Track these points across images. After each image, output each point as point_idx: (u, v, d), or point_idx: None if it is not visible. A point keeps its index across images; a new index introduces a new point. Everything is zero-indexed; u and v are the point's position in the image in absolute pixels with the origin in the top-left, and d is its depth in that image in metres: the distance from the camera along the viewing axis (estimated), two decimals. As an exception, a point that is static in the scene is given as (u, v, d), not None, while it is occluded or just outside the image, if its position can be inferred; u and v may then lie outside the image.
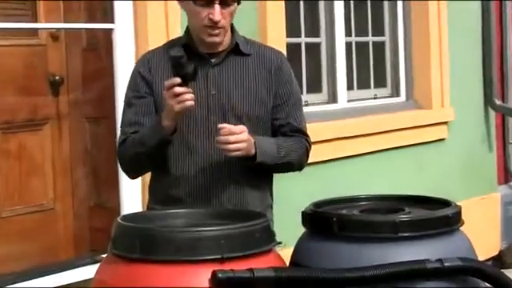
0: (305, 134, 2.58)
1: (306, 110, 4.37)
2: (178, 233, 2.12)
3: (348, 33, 4.72)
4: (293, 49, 4.31)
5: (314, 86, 4.58)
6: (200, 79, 2.43)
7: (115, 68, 3.58)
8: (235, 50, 2.50)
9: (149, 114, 2.49)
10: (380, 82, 5.03)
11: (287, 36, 4.14)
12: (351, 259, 2.19)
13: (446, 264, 2.18)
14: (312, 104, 4.50)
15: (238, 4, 2.45)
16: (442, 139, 5.14)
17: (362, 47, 4.90)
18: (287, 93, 2.55)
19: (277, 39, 3.97)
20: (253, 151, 2.39)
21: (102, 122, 3.84)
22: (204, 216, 2.34)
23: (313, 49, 4.58)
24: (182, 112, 2.36)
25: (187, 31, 2.53)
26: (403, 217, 2.32)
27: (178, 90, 2.31)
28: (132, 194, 3.60)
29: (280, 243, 2.23)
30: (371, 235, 2.22)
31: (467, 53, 5.37)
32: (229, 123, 2.39)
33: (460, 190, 5.12)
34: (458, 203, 2.45)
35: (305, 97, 4.47)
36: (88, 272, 3.20)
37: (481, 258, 2.47)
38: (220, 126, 2.35)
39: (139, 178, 3.57)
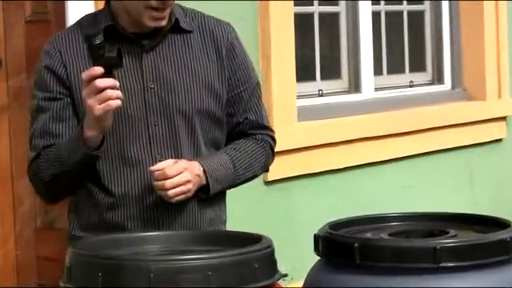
0: (267, 129, 2.67)
1: (320, 101, 4.47)
2: (152, 262, 2.13)
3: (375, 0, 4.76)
4: (303, 20, 4.35)
5: (331, 71, 4.62)
6: (132, 69, 2.48)
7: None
8: (174, 27, 2.53)
9: (66, 120, 2.51)
10: (418, 66, 5.06)
11: (295, 4, 4.17)
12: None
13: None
14: (328, 94, 4.54)
15: None
16: (499, 140, 5.18)
17: (394, 18, 4.93)
18: (243, 78, 2.61)
19: (282, 8, 4.00)
20: (203, 182, 2.49)
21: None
22: (186, 240, 2.36)
23: (329, 21, 4.61)
24: (104, 117, 2.36)
25: (107, 6, 2.54)
26: (446, 241, 2.34)
27: (99, 83, 2.32)
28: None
29: (285, 276, 2.26)
30: (404, 265, 2.24)
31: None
32: (174, 124, 2.48)
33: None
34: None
35: (319, 84, 4.50)
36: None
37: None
38: (151, 168, 2.42)
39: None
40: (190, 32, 2.56)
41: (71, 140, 2.44)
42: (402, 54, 4.97)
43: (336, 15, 4.61)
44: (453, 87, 5.12)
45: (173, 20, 2.52)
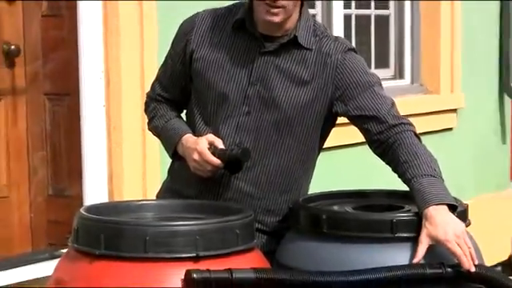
0: (400, 119, 2.41)
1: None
2: (147, 227, 2.14)
3: (347, 4, 4.75)
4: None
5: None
6: (246, 63, 2.38)
7: (80, 38, 3.59)
8: (293, 41, 2.38)
9: (175, 79, 2.50)
10: (382, 62, 5.07)
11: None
12: (341, 261, 2.22)
13: (448, 269, 2.21)
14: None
15: None
16: (450, 128, 5.19)
17: (362, 21, 4.93)
18: (358, 88, 2.38)
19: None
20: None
21: (63, 100, 3.85)
22: (179, 209, 2.36)
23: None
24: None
25: (251, 2, 2.38)
26: (402, 215, 2.34)
27: (210, 159, 2.32)
28: (97, 183, 3.63)
29: None
30: (365, 235, 2.25)
31: (482, 32, 5.41)
32: (262, 117, 2.38)
33: (469, 186, 5.18)
34: (466, 201, 2.49)
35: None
36: (46, 268, 3.23)
37: (488, 262, 2.51)
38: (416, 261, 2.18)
39: (105, 165, 3.63)
40: (308, 49, 2.39)
41: (169, 138, 2.47)
42: (369, 52, 4.98)
43: (313, 16, 4.60)
44: (412, 82, 5.13)
45: (292, 35, 2.37)
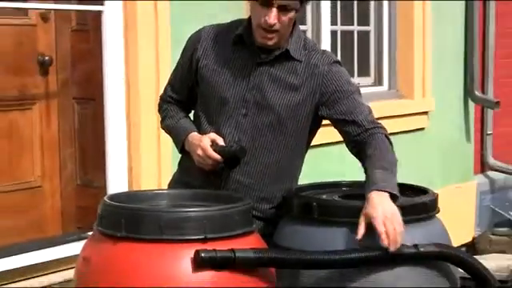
0: (375, 123, 2.39)
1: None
2: (162, 213, 2.14)
3: (334, 22, 4.74)
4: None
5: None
6: (245, 71, 2.37)
7: (103, 50, 3.59)
8: (285, 54, 2.37)
9: (184, 83, 2.49)
10: (364, 71, 5.06)
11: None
12: (329, 242, 2.22)
13: (422, 249, 2.21)
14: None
15: (297, 12, 2.31)
16: (422, 128, 5.18)
17: (347, 36, 4.92)
18: (340, 94, 2.37)
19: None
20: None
21: (90, 103, 3.85)
22: (189, 197, 2.36)
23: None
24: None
25: (250, 19, 2.38)
26: (381, 203, 2.34)
27: (211, 155, 2.32)
28: (118, 175, 3.62)
29: None
30: (350, 220, 2.24)
31: (450, 44, 5.41)
32: (258, 118, 2.36)
33: (438, 177, 5.18)
34: (436, 191, 2.49)
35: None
36: (74, 248, 3.23)
37: (455, 244, 2.51)
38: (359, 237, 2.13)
39: (125, 159, 3.62)
40: (298, 61, 2.38)
41: (178, 135, 2.46)
42: (353, 62, 4.97)
43: (304, 32, 4.58)
44: (389, 88, 5.12)
45: (283, 48, 2.36)
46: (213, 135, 2.36)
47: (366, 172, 2.29)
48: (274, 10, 2.27)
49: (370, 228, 2.15)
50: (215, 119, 2.41)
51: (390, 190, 2.20)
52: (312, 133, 2.49)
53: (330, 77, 2.38)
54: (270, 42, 2.33)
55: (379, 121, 2.44)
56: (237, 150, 2.34)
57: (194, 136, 2.41)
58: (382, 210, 2.14)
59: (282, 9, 2.27)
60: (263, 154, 2.40)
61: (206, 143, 2.34)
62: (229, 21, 2.50)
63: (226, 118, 2.39)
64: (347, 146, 2.41)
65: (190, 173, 2.46)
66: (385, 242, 2.12)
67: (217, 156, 2.33)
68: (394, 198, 2.20)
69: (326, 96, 2.38)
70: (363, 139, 2.35)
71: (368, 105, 2.45)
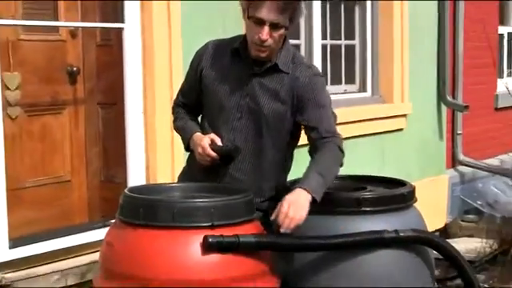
0: (333, 133, 2.38)
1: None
2: (175, 203, 2.13)
3: (324, 36, 4.73)
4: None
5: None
6: (241, 81, 2.37)
7: (124, 61, 3.58)
8: (274, 67, 2.37)
9: (193, 91, 2.47)
10: (349, 79, 5.05)
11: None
12: (320, 229, 2.21)
13: (401, 234, 2.21)
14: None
15: (286, 30, 2.30)
16: (401, 129, 5.17)
17: (335, 49, 4.91)
18: (311, 103, 2.36)
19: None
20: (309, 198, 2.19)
21: (112, 108, 3.83)
22: (198, 190, 2.35)
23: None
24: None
25: (245, 36, 2.38)
26: (366, 194, 2.34)
27: (209, 153, 2.31)
28: (137, 171, 3.62)
29: None
30: (338, 209, 2.24)
31: (425, 56, 5.40)
32: (250, 121, 2.35)
33: (415, 172, 5.17)
34: (413, 183, 2.48)
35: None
36: (99, 234, 3.21)
37: (430, 229, 2.50)
38: (272, 218, 2.16)
39: (143, 157, 3.61)
40: (286, 73, 2.36)
41: (185, 135, 2.44)
42: (340, 71, 4.96)
43: (297, 46, 4.58)
44: (372, 94, 5.11)
45: (273, 62, 2.35)
46: (212, 136, 2.36)
47: (305, 171, 2.28)
48: (266, 27, 2.27)
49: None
50: (215, 122, 2.42)
51: (312, 191, 2.19)
52: (296, 135, 2.48)
53: (307, 87, 2.37)
54: (263, 55, 2.34)
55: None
56: (231, 149, 2.34)
57: (197, 136, 2.41)
58: (295, 198, 2.16)
59: (274, 26, 2.28)
60: (255, 154, 2.39)
61: (205, 142, 2.34)
62: (234, 35, 2.48)
63: (224, 121, 2.39)
64: (309, 147, 2.40)
65: (193, 168, 2.45)
66: (279, 219, 2.12)
67: (214, 154, 2.33)
68: (314, 201, 2.19)
69: (301, 103, 2.37)
70: (318, 145, 2.35)
71: (335, 115, 2.44)
